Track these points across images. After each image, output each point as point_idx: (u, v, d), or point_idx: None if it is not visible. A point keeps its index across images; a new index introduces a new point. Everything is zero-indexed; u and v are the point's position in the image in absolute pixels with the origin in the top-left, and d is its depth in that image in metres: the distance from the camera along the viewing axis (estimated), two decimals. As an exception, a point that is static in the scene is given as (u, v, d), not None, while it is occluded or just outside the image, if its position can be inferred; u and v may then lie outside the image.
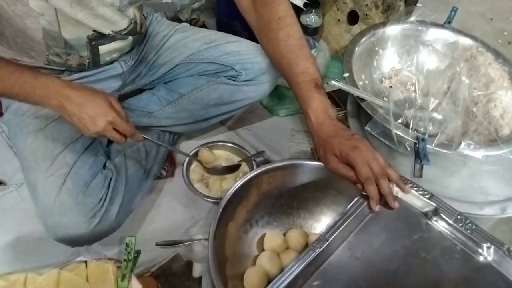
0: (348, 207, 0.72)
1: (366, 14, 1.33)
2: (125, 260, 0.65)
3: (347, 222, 0.70)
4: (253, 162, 1.10)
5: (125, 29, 0.94)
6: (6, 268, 0.90)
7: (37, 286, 0.63)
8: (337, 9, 1.39)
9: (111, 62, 1.00)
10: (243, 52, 1.07)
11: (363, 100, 0.88)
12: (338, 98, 1.21)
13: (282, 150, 1.19)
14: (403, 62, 1.07)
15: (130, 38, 0.97)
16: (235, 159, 1.14)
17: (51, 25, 0.83)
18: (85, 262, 0.67)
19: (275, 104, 1.29)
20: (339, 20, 1.39)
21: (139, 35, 1.02)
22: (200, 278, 0.94)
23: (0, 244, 0.97)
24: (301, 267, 0.64)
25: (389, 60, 1.07)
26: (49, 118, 0.91)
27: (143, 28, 1.05)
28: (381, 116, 0.85)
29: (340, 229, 0.69)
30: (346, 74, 0.92)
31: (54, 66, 0.93)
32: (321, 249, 0.66)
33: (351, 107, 1.00)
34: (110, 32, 0.91)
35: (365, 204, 0.72)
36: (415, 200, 0.74)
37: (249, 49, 1.08)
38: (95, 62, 0.95)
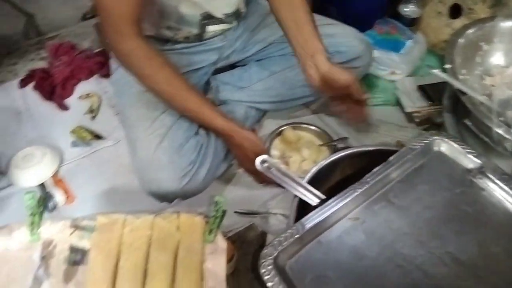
0: (393, 157, 0.73)
1: (471, 8, 1.26)
2: (213, 216, 0.69)
3: (390, 170, 0.72)
4: (334, 148, 1.11)
5: (233, 12, 1.01)
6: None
7: (134, 227, 0.69)
8: (439, 1, 1.34)
9: (213, 37, 1.06)
10: (338, 35, 1.07)
11: (463, 93, 0.85)
12: (431, 93, 1.17)
13: (366, 140, 1.18)
14: (509, 60, 1.01)
15: (236, 22, 1.03)
16: (317, 142, 1.15)
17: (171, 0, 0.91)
18: (178, 213, 0.72)
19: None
20: (440, 12, 1.34)
21: (241, 18, 1.07)
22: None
23: (97, 191, 1.07)
24: (342, 203, 0.68)
25: (494, 57, 1.01)
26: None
27: (244, 9, 1.09)
28: (482, 113, 0.81)
29: (383, 175, 0.71)
30: (448, 66, 0.89)
31: (162, 37, 1.00)
32: (362, 190, 0.69)
33: (447, 101, 0.97)
34: (221, 16, 0.99)
35: (409, 155, 0.74)
36: (461, 157, 0.74)
37: (345, 32, 1.08)
38: (200, 37, 1.02)
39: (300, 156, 1.11)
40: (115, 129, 1.19)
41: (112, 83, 1.10)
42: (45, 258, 0.67)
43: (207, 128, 0.96)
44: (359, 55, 1.06)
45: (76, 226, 0.70)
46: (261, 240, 1.00)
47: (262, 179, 0.94)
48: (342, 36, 1.07)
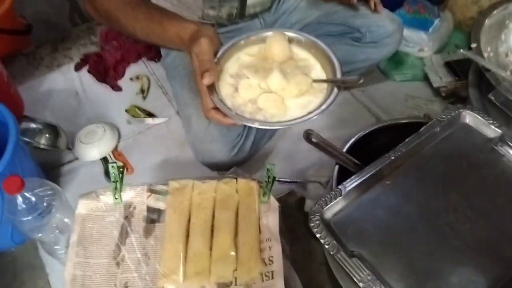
0: (423, 128, 0.82)
1: (498, -14, 1.31)
2: (265, 181, 0.81)
3: (420, 140, 0.81)
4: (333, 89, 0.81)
5: None
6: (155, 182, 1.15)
7: (201, 190, 0.82)
8: (467, -21, 1.39)
9: (253, 16, 1.14)
10: (370, 15, 1.14)
11: (487, 70, 0.93)
12: (457, 69, 1.25)
13: (395, 113, 1.27)
14: (533, 38, 1.07)
15: None
16: (313, 73, 0.84)
17: None
18: (235, 178, 0.84)
19: (392, 68, 1.35)
20: (467, -10, 1.39)
21: None
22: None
23: (152, 164, 1.19)
24: (377, 168, 0.77)
25: (518, 34, 1.07)
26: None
27: None
28: (505, 88, 0.90)
29: (413, 144, 0.80)
30: (473, 45, 0.96)
31: (207, 20, 1.10)
32: (395, 157, 0.78)
33: (472, 77, 1.05)
34: None
35: (437, 126, 0.82)
36: (484, 127, 0.82)
37: (377, 13, 1.15)
38: (241, 13, 1.10)
39: (261, 84, 0.76)
40: (164, 107, 1.31)
41: (164, 66, 1.21)
42: (128, 217, 0.81)
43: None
44: (389, 34, 1.14)
45: (152, 190, 0.83)
46: (299, 205, 1.11)
47: (211, 113, 0.75)
48: (373, 16, 1.14)
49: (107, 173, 1.15)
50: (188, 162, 1.16)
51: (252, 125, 0.68)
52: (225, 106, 0.70)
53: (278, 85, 0.74)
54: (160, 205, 0.81)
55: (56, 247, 0.90)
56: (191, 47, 0.75)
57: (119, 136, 1.24)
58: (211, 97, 0.70)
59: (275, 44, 0.79)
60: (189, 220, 0.79)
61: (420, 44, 1.31)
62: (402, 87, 1.34)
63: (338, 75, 0.76)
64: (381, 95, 1.33)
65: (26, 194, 0.78)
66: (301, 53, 0.83)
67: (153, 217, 0.81)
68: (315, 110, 0.71)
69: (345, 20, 1.16)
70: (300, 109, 0.72)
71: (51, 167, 1.17)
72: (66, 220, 0.87)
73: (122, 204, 0.82)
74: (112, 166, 0.80)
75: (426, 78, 1.32)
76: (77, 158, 1.20)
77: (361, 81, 0.74)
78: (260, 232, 0.77)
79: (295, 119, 0.69)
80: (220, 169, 1.07)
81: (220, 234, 0.76)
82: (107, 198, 0.82)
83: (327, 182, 1.06)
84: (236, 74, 0.77)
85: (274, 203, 0.81)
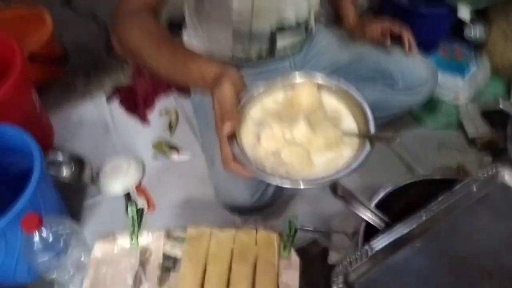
0: (458, 186, 0.76)
1: (540, 33, 1.27)
2: (287, 234, 0.78)
3: (454, 198, 0.76)
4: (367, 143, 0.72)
5: (304, 21, 1.07)
6: (176, 221, 1.13)
7: (218, 240, 0.79)
8: (507, 25, 1.34)
9: (284, 57, 1.14)
10: (403, 60, 1.11)
11: (529, 126, 0.88)
12: (495, 119, 1.19)
13: (426, 162, 1.22)
14: None
15: (304, 33, 1.09)
16: (344, 124, 0.75)
17: (242, 19, 0.99)
18: (255, 228, 0.80)
19: (425, 114, 1.31)
20: (507, 36, 1.34)
21: (309, 33, 1.14)
22: (332, 265, 1.04)
23: (172, 202, 1.18)
24: (408, 229, 0.72)
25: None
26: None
27: (313, 29, 1.16)
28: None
29: (447, 203, 0.75)
30: (515, 98, 0.92)
31: (237, 61, 1.10)
32: (427, 217, 0.73)
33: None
34: (292, 23, 1.05)
35: (474, 184, 0.77)
36: None
37: (412, 58, 1.11)
38: (271, 53, 1.09)
39: (286, 135, 0.69)
40: (191, 144, 1.31)
41: (192, 103, 1.21)
42: (143, 264, 0.78)
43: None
44: (424, 81, 1.10)
45: (169, 236, 0.81)
46: (322, 256, 1.06)
47: (230, 165, 0.67)
48: (407, 61, 1.11)
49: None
50: (209, 202, 1.14)
51: (273, 183, 0.64)
52: (245, 158, 0.65)
53: (304, 137, 0.68)
54: (177, 252, 0.79)
55: (70, 286, 0.88)
56: (213, 91, 0.71)
57: (144, 171, 1.24)
58: (231, 147, 0.66)
59: (304, 92, 0.74)
60: (204, 271, 0.76)
61: (455, 90, 1.26)
62: (435, 134, 1.29)
63: (372, 129, 0.69)
64: (412, 142, 1.28)
65: (43, 233, 0.77)
66: (332, 102, 0.76)
67: (169, 265, 0.78)
68: (344, 169, 0.66)
69: (377, 64, 1.13)
70: (327, 166, 0.67)
71: (74, 200, 1.17)
72: (82, 259, 0.86)
73: (139, 249, 0.79)
74: (132, 209, 0.79)
75: (460, 127, 1.27)
76: (100, 193, 1.20)
77: (398, 140, 0.67)
78: (278, 290, 0.73)
79: (321, 178, 0.65)
80: (241, 212, 1.04)
81: (236, 289, 0.73)
82: (124, 242, 0.80)
83: (353, 234, 1.02)
84: (260, 122, 0.71)
85: (295, 260, 0.77)
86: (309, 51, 1.19)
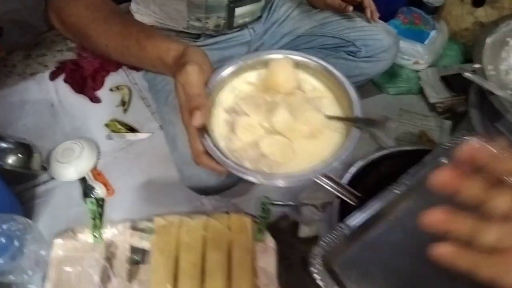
0: (426, 157, 0.75)
1: (495, -4, 1.28)
2: (261, 216, 0.75)
3: (424, 170, 0.74)
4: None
5: None
6: (139, 205, 1.07)
7: (189, 228, 0.75)
8: (462, -12, 1.34)
9: (242, 26, 1.07)
10: (366, 28, 1.09)
11: (492, 93, 0.88)
12: (454, 84, 1.20)
13: (389, 130, 1.22)
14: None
15: (263, 1, 1.03)
16: (327, 107, 0.72)
17: None
18: (228, 213, 0.77)
19: (386, 81, 1.30)
20: (462, 0, 1.35)
21: (268, 1, 1.07)
22: (303, 238, 1.04)
23: (133, 184, 1.12)
24: (381, 203, 0.71)
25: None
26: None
27: None
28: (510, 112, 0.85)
29: (418, 175, 0.74)
30: (476, 66, 0.92)
31: (193, 31, 1.02)
32: (399, 190, 0.72)
33: (474, 97, 1.00)
34: None
35: (441, 157, 0.75)
36: None
37: (372, 25, 1.09)
38: (229, 24, 1.02)
39: (264, 123, 0.62)
40: (147, 120, 1.23)
41: (146, 78, 1.13)
42: (109, 259, 0.73)
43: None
44: (386, 48, 1.08)
45: (135, 228, 0.76)
46: (293, 230, 1.05)
47: (202, 159, 0.61)
48: (369, 29, 1.09)
49: (85, 195, 1.07)
50: (173, 182, 1.08)
51: (255, 181, 0.55)
52: (219, 152, 0.56)
53: (285, 124, 0.60)
54: (144, 244, 0.75)
55: (30, 286, 0.82)
56: (176, 75, 0.62)
57: (99, 153, 1.16)
58: (202, 140, 0.57)
59: (280, 71, 0.64)
60: (176, 262, 0.72)
61: (416, 56, 1.26)
62: (397, 100, 1.30)
63: (357, 112, 0.63)
64: (375, 109, 1.27)
65: (-7, 235, 0.70)
66: (309, 81, 0.68)
67: (137, 258, 0.74)
68: (331, 159, 0.58)
69: (339, 32, 1.10)
70: (312, 156, 0.60)
71: (24, 188, 1.08)
72: (42, 252, 0.80)
73: (103, 244, 0.74)
74: (91, 202, 0.73)
75: (420, 92, 1.28)
76: (53, 178, 1.11)
77: (389, 122, 0.61)
78: (256, 276, 0.71)
79: (308, 173, 0.57)
80: (208, 193, 1.00)
81: (212, 280, 0.70)
82: (86, 237, 0.74)
83: (322, 205, 1.01)
84: (232, 108, 0.63)
85: (271, 242, 0.76)
86: (269, 18, 1.14)
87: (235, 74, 0.67)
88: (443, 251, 0.34)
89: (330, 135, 0.62)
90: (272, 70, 0.65)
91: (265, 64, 0.66)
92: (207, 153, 0.58)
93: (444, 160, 0.78)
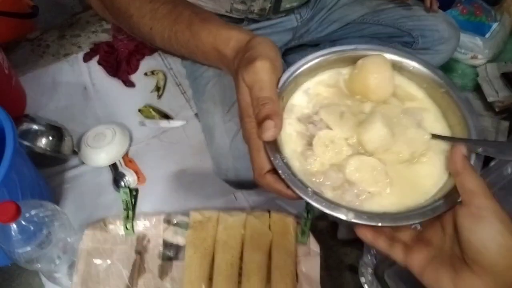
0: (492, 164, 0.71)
1: None
2: (304, 217, 0.68)
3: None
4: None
5: None
6: (170, 196, 1.02)
7: (227, 225, 0.69)
8: (527, -23, 1.23)
9: (289, 11, 1.00)
10: (424, 17, 1.00)
11: None
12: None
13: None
14: None
15: None
16: (431, 124, 0.43)
17: None
18: (269, 211, 0.71)
19: (440, 76, 1.21)
20: (527, -10, 1.23)
21: None
22: (342, 240, 0.97)
23: (165, 174, 1.06)
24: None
25: None
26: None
27: None
28: None
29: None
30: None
31: (235, 14, 0.95)
32: None
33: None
34: None
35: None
36: None
37: (432, 14, 1.00)
38: (276, 7, 0.95)
39: (350, 140, 0.48)
40: (182, 108, 1.18)
41: (183, 64, 1.07)
42: (140, 253, 0.68)
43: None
44: (445, 40, 0.99)
45: (169, 222, 0.70)
46: (331, 231, 0.99)
47: (265, 179, 0.46)
48: (427, 19, 1.00)
49: (116, 182, 1.02)
50: (207, 173, 1.03)
51: (343, 218, 0.41)
52: (293, 176, 0.43)
53: (380, 143, 0.46)
54: (179, 239, 0.70)
55: (56, 274, 0.78)
56: (239, 72, 0.48)
57: (131, 140, 1.11)
58: (271, 158, 0.44)
59: (374, 72, 0.49)
60: (212, 260, 0.66)
61: (474, 50, 1.16)
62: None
63: (473, 133, 0.46)
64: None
65: (22, 222, 0.65)
66: (407, 87, 0.53)
67: (170, 254, 0.69)
68: (440, 196, 0.43)
69: (394, 21, 1.02)
70: (411, 186, 0.45)
71: (53, 172, 1.05)
72: (69, 239, 0.75)
73: (135, 236, 0.69)
74: (124, 192, 0.68)
75: (476, 89, 1.18)
76: (82, 163, 1.07)
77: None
78: (297, 281, 0.65)
79: (413, 210, 0.42)
80: (245, 188, 0.94)
81: (250, 282, 0.64)
82: (117, 228, 0.70)
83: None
84: (308, 118, 0.49)
85: (315, 246, 0.69)
86: (317, 3, 1.06)
87: (310, 73, 0.53)
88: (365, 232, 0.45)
89: (435, 159, 0.47)
90: (363, 71, 0.51)
91: (349, 61, 0.52)
92: (274, 171, 0.45)
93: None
